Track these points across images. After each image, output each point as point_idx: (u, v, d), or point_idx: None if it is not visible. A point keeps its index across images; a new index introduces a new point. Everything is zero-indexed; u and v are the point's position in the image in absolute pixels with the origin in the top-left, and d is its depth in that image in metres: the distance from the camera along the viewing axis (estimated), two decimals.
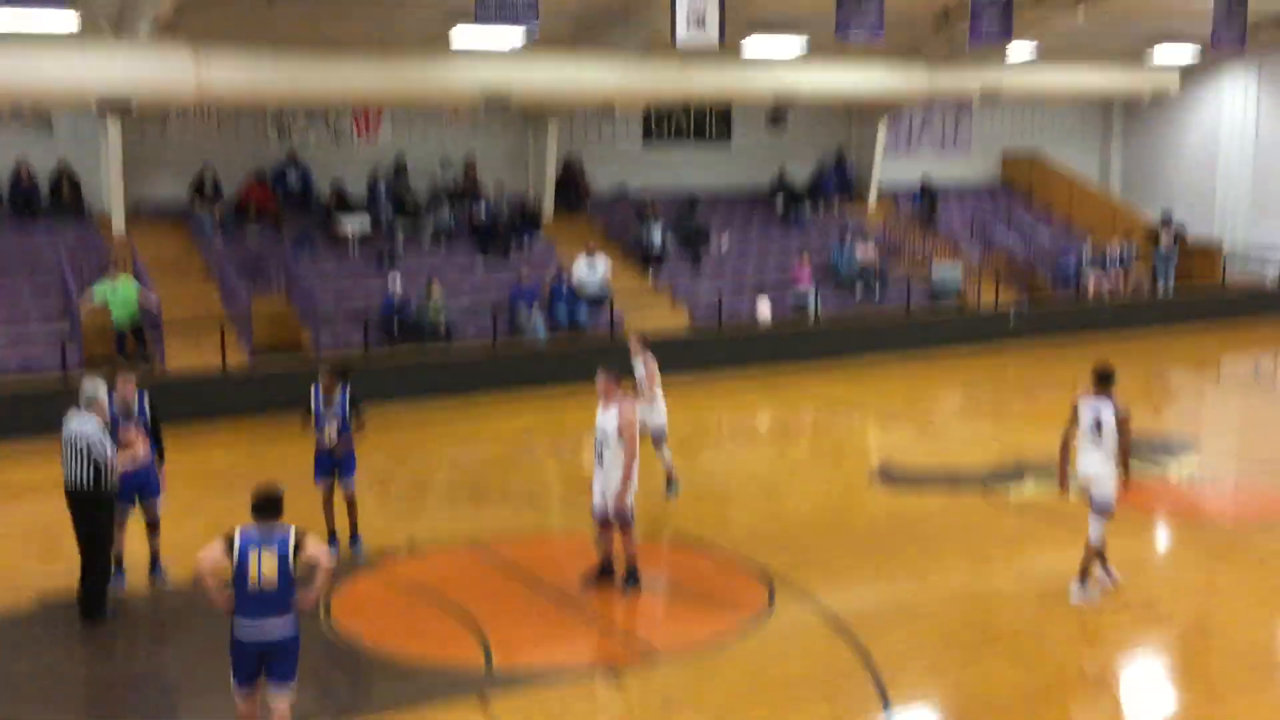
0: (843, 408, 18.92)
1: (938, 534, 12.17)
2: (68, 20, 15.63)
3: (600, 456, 10.26)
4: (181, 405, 14.79)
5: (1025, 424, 17.37)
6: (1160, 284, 26.66)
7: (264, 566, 6.91)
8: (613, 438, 10.11)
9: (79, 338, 17.58)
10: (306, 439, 11.39)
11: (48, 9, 14.25)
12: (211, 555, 7.02)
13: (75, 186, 20.48)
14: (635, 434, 10.14)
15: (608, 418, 10.16)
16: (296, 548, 7.02)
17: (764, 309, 22.32)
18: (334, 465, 11.23)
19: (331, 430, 11.09)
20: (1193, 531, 12.66)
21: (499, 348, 19.93)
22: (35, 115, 20.41)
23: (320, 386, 11.16)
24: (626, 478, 10.16)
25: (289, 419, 11.92)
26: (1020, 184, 29.98)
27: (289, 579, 6.99)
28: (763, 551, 11.42)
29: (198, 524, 11.22)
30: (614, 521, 10.32)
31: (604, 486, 10.26)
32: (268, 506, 7.08)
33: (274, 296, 19.87)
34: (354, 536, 11.44)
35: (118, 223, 20.19)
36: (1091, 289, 25.65)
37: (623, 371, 10.52)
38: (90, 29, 17.16)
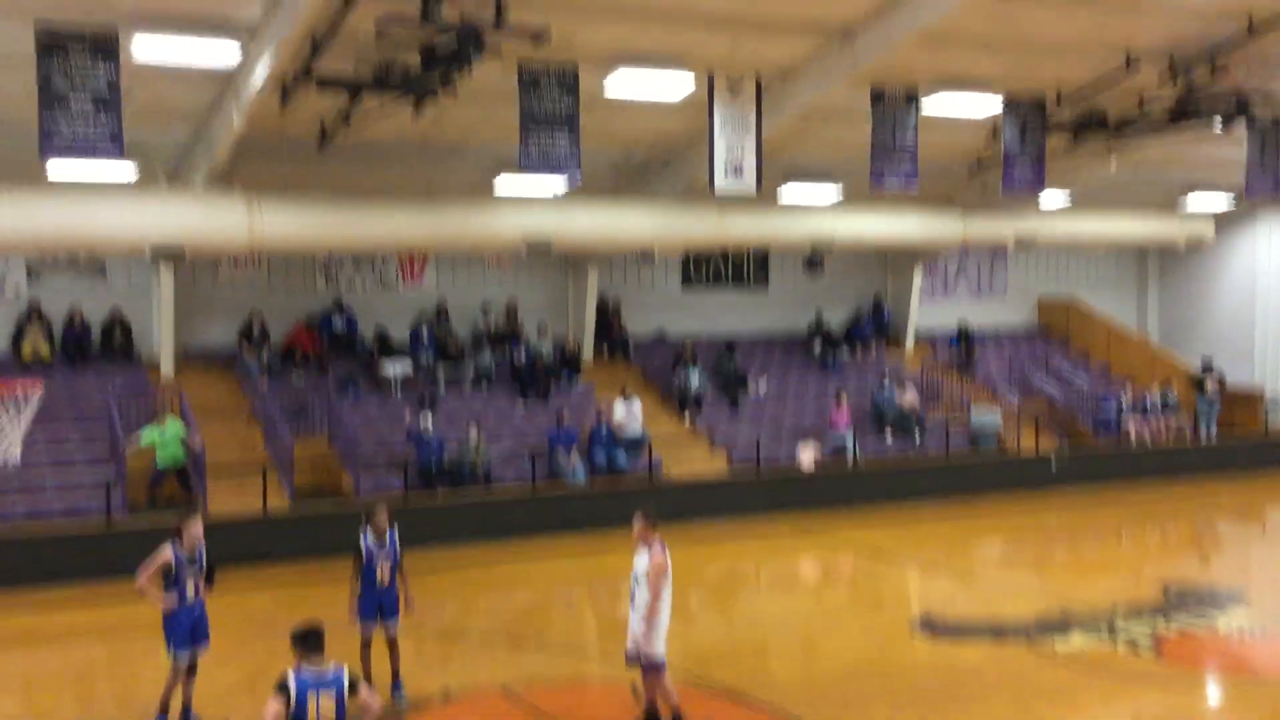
0: (883, 555, 18.72)
1: (981, 687, 11.92)
2: (126, 170, 16.18)
3: (632, 599, 10.19)
4: (222, 549, 14.82)
5: (1070, 574, 17.11)
6: (1203, 431, 26.45)
7: (322, 709, 6.83)
8: (644, 580, 10.06)
9: (124, 482, 17.77)
10: (344, 583, 11.38)
11: (108, 159, 14.77)
12: (273, 711, 6.83)
13: (126, 332, 20.94)
14: (661, 577, 10.05)
15: (640, 561, 10.12)
16: (351, 688, 6.98)
17: (806, 455, 22.25)
18: (380, 606, 11.23)
19: (384, 570, 11.15)
20: (1243, 686, 12.34)
21: (537, 491, 19.96)
22: (90, 262, 20.99)
23: (371, 526, 11.21)
24: (648, 620, 10.03)
25: (328, 563, 11.94)
26: (1058, 329, 30.04)
27: None
28: (801, 703, 11.22)
29: (236, 673, 11.16)
30: (641, 666, 10.19)
31: (635, 629, 10.16)
32: (314, 640, 7.01)
33: (316, 440, 20.07)
34: (395, 682, 11.35)
35: (166, 367, 20.57)
36: (1133, 436, 25.48)
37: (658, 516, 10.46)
38: (147, 178, 17.77)
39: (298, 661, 7.01)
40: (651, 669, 10.18)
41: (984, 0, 15.84)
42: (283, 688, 6.87)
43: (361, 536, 11.21)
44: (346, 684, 6.96)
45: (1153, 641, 13.09)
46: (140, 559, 10.37)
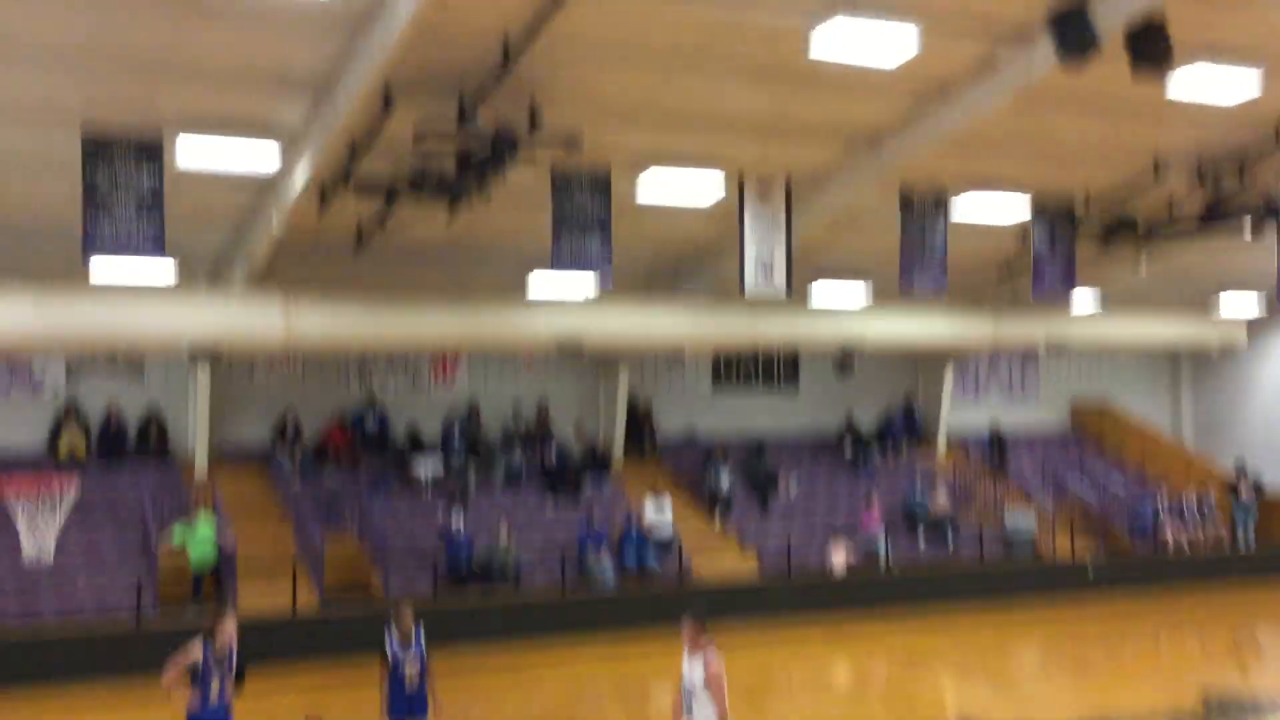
0: (917, 660, 18.45)
1: None
2: (167, 274, 16.48)
3: (689, 710, 9.79)
4: (251, 647, 14.77)
5: (1109, 680, 16.78)
6: (1240, 536, 26.07)
7: None
8: (700, 689, 9.74)
9: (155, 580, 17.80)
10: (373, 685, 11.31)
11: (149, 260, 15.04)
12: None
13: (162, 430, 21.13)
14: (724, 685, 9.79)
15: (694, 667, 9.80)
16: None
17: (838, 557, 22.06)
18: (411, 707, 11.15)
19: (413, 671, 11.09)
20: None
21: (567, 592, 19.85)
22: (129, 361, 21.28)
23: (396, 629, 11.16)
24: None
25: (356, 663, 11.87)
26: (1091, 431, 29.85)
27: None
28: None
29: None
30: None
31: None
32: None
33: (347, 538, 20.09)
34: None
35: (200, 465, 20.72)
36: (1170, 541, 25.15)
37: (709, 617, 10.23)
38: (186, 279, 18.07)
39: None
40: None
41: (1009, 107, 16.06)
42: None
43: (387, 640, 11.15)
44: None
45: None
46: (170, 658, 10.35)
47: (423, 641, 11.17)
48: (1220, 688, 15.75)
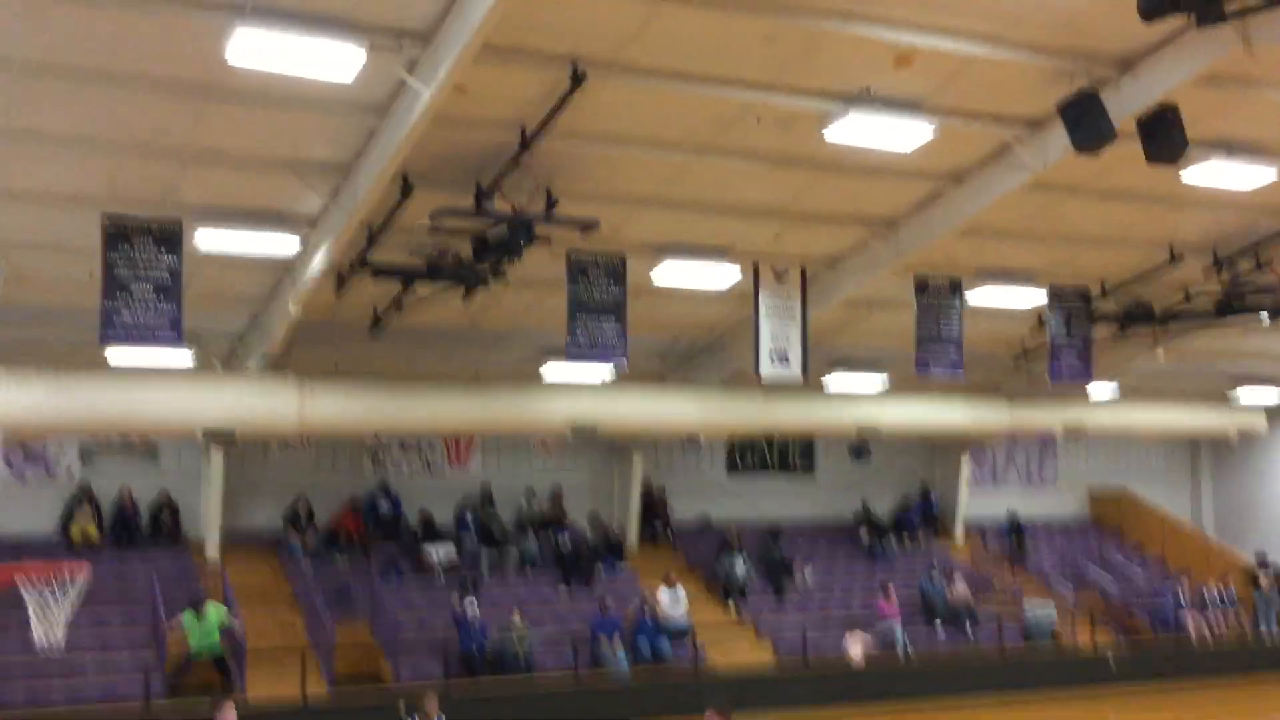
0: None
1: None
2: (183, 358, 16.53)
3: None
4: None
5: None
6: (1264, 628, 25.64)
7: None
8: None
9: (164, 666, 17.60)
10: None
11: (166, 348, 15.08)
12: None
13: (174, 514, 21.05)
14: None
15: None
16: None
17: (855, 647, 21.71)
18: None
19: None
20: None
21: (580, 680, 19.56)
22: (143, 445, 21.26)
23: (419, 716, 11.05)
24: None
25: None
26: (1110, 521, 29.53)
27: None
28: None
29: None
30: None
31: None
32: None
33: (358, 625, 19.87)
34: None
35: (212, 550, 20.59)
36: (1193, 632, 24.74)
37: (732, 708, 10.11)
38: (203, 363, 18.11)
39: None
40: None
41: (1023, 195, 16.11)
42: None
43: None
44: None
45: None
46: None
47: None
48: None
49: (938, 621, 23.23)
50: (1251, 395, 26.67)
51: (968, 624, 23.22)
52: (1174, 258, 19.11)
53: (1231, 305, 19.69)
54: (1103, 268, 19.65)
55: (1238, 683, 22.94)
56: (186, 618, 17.83)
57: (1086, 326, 19.75)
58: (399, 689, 18.02)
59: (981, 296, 19.26)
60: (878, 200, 16.89)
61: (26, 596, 15.03)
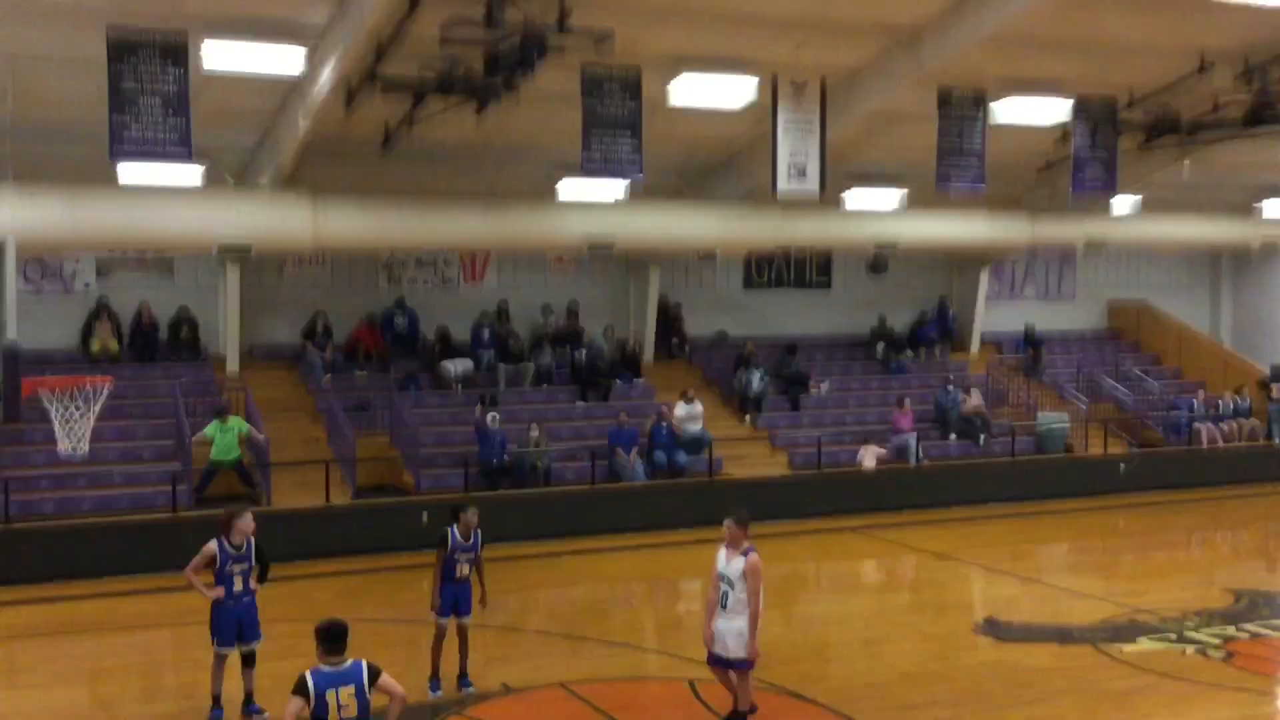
0: (946, 558, 18.50)
1: (1046, 691, 11.72)
2: (193, 174, 16.43)
3: (723, 603, 10.07)
4: (285, 542, 15.00)
5: (1139, 579, 16.81)
6: (1276, 436, 25.88)
7: (342, 701, 6.91)
8: (738, 582, 9.97)
9: (190, 475, 18.02)
10: (405, 579, 11.46)
11: (176, 164, 14.97)
12: (293, 710, 6.95)
13: (193, 329, 21.23)
14: (761, 576, 10.01)
15: (733, 564, 10.04)
16: (371, 679, 7.03)
17: (868, 457, 22.04)
18: (456, 601, 11.35)
19: (464, 567, 11.32)
20: None
21: (597, 491, 19.98)
22: (158, 261, 21.32)
23: (460, 523, 11.33)
24: (756, 621, 9.97)
25: (389, 558, 12.01)
26: (1128, 333, 29.57)
27: (367, 711, 7.00)
28: (862, 706, 11.10)
29: (298, 663, 11.26)
30: (735, 666, 10.11)
31: (726, 631, 10.08)
32: (334, 637, 7.07)
33: (378, 438, 20.23)
34: (463, 676, 11.46)
35: (232, 364, 20.84)
36: (1205, 440, 25.00)
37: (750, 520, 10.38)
38: (214, 180, 18.02)
39: (318, 659, 7.07)
40: (748, 668, 10.13)
41: (1052, 3, 15.62)
42: (301, 687, 6.95)
43: (449, 530, 11.33)
44: (366, 676, 7.02)
45: (1224, 648, 12.83)
46: None
47: (479, 543, 11.35)
48: (1252, 586, 15.75)
49: (951, 435, 23.50)
50: (1274, 207, 26.33)
51: (981, 435, 23.49)
52: (1204, 66, 18.63)
53: (1260, 115, 19.28)
54: (1131, 77, 19.17)
55: (1247, 490, 23.28)
56: (211, 427, 18.13)
57: (1112, 137, 19.41)
58: (420, 499, 18.50)
59: (1006, 109, 18.86)
60: (901, 7, 16.42)
61: (50, 409, 15.32)
